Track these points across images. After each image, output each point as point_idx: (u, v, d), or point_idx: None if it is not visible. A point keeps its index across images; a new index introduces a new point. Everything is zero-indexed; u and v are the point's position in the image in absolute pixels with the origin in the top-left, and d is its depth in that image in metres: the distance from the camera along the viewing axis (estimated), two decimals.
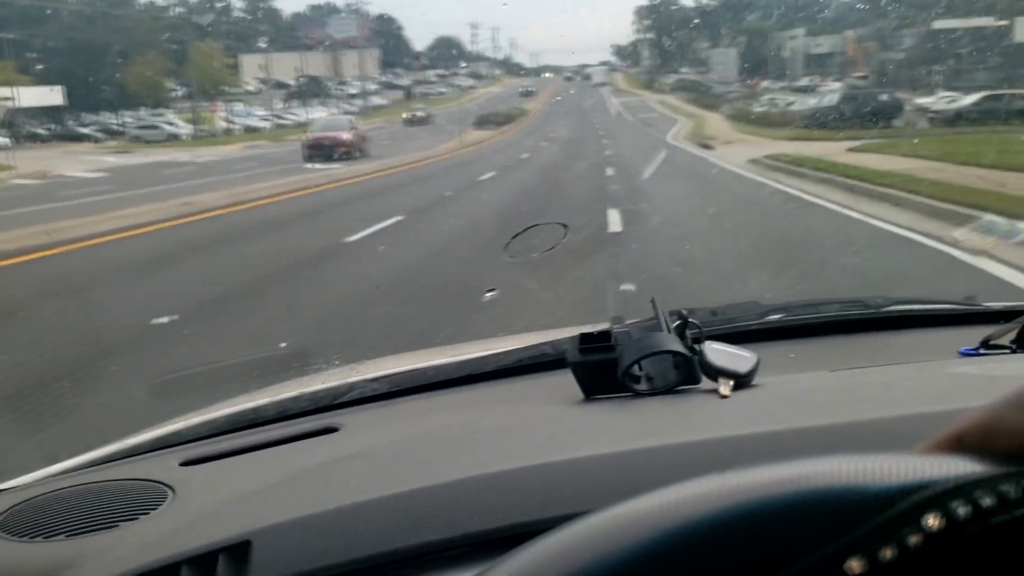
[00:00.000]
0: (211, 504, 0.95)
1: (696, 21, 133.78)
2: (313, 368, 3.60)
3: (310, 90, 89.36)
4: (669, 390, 1.09)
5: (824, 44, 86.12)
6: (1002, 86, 34.20)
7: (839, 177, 15.34)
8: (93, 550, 0.88)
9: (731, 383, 1.07)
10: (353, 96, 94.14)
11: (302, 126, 70.59)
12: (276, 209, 15.84)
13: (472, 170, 22.93)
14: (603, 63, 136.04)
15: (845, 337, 1.58)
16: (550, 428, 1.08)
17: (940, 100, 33.59)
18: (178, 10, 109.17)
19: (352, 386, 1.38)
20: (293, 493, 0.94)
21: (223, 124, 59.61)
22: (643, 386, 1.10)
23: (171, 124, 57.68)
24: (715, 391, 1.07)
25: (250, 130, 61.35)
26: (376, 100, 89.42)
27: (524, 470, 0.86)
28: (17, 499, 1.03)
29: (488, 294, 6.36)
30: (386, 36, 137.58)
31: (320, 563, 0.79)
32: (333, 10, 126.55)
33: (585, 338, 1.12)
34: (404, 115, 56.53)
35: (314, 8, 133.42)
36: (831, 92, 37.11)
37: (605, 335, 1.11)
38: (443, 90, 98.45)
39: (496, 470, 0.87)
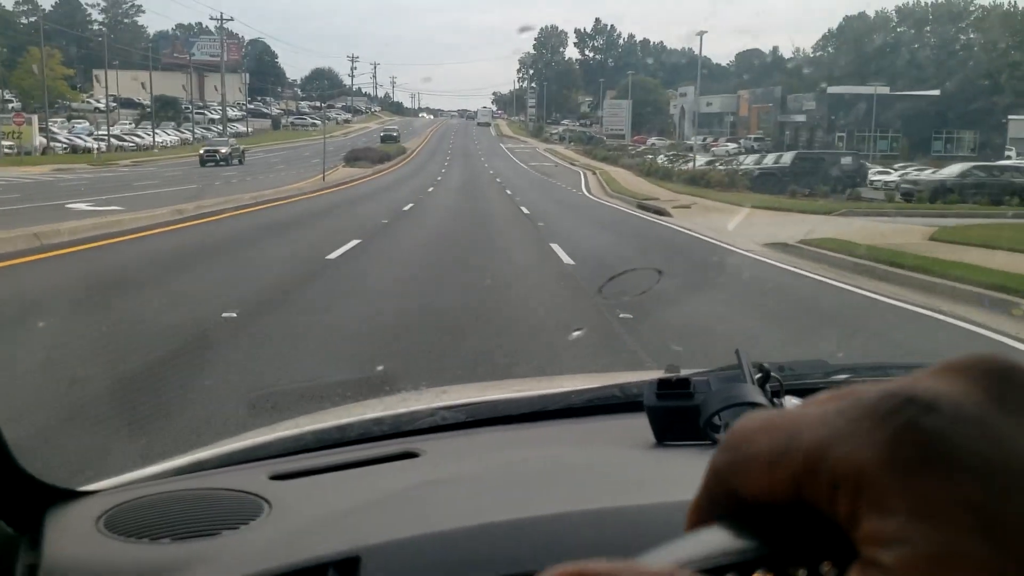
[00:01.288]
0: (309, 519, 0.97)
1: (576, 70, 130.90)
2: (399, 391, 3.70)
3: (163, 112, 78.27)
4: None
5: (715, 103, 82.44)
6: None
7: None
8: (200, 555, 0.90)
9: None
10: (214, 121, 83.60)
11: (143, 150, 60.30)
12: None
13: (313, 236, 14.29)
14: (484, 107, 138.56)
15: None
16: (629, 470, 1.08)
17: (910, 171, 27.54)
18: (32, 18, 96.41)
19: (432, 412, 1.39)
20: (392, 514, 0.97)
21: (41, 141, 48.07)
22: (723, 436, 1.02)
23: None
24: None
25: (80, 150, 50.40)
26: (239, 127, 78.98)
27: (607, 511, 0.87)
28: (118, 499, 1.04)
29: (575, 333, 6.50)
30: (260, 63, 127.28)
31: None
32: (204, 31, 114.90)
33: (663, 384, 1.10)
34: (200, 151, 44.56)
35: (182, 28, 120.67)
36: (773, 153, 30.81)
37: (684, 382, 1.09)
38: (316, 122, 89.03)
39: (579, 508, 0.88)
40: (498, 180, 35.72)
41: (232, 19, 70.79)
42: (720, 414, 1.03)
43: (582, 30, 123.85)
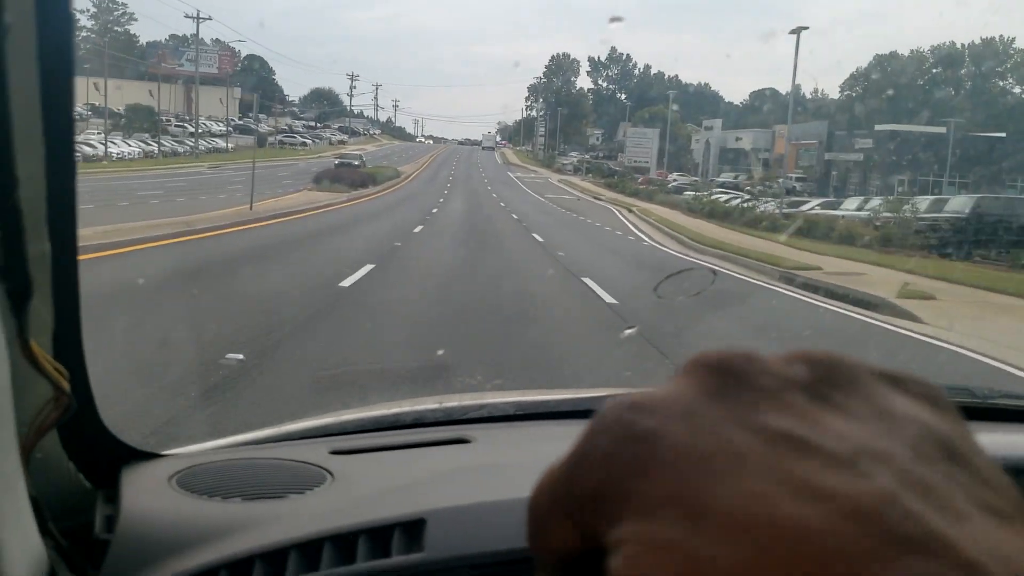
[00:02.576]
0: (371, 489, 1.00)
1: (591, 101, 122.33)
2: (457, 381, 4.21)
3: (138, 122, 68.93)
4: None
5: (745, 139, 73.34)
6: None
7: None
8: (269, 514, 0.94)
9: None
10: (195, 135, 74.29)
11: (91, 161, 50.83)
12: None
13: None
14: (488, 132, 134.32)
15: None
16: None
17: None
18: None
19: (483, 405, 1.42)
20: (449, 487, 1.00)
21: None
22: None
23: None
24: None
25: None
26: (219, 143, 69.50)
27: None
28: (191, 463, 1.07)
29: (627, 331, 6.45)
30: (256, 79, 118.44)
31: (485, 547, 0.85)
32: (206, 47, 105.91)
33: None
34: None
35: (176, 39, 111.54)
36: (943, 200, 20.91)
37: None
38: (307, 141, 79.64)
39: None
40: (514, 216, 26.05)
41: (210, 18, 61.08)
42: None
43: (596, 58, 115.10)
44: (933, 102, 77.18)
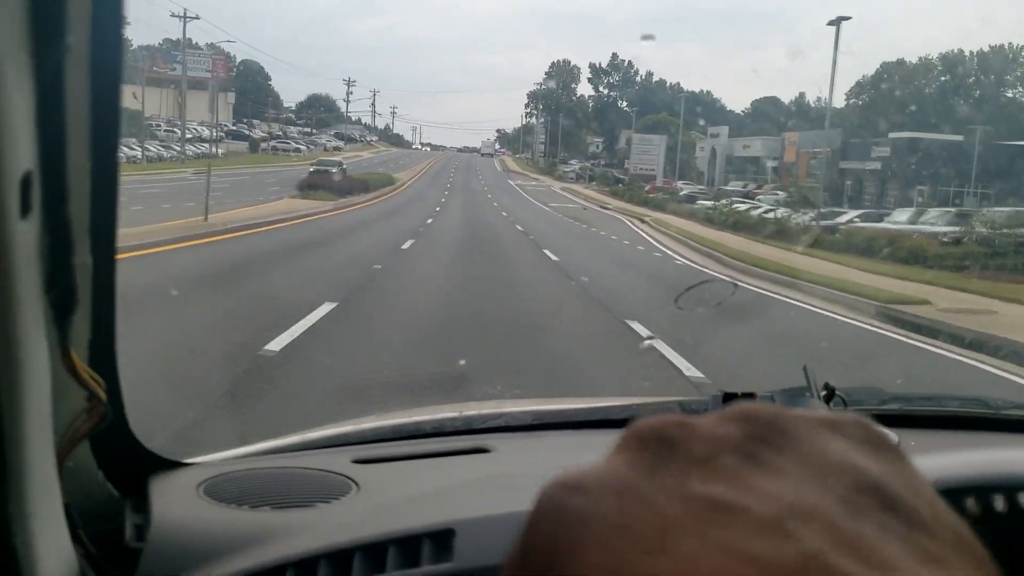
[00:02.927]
0: (396, 498, 1.00)
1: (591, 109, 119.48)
2: (479, 391, 4.23)
3: (125, 127, 66.06)
4: None
5: (754, 146, 70.40)
6: None
7: None
8: (299, 523, 0.94)
9: None
10: (182, 139, 71.48)
11: None
12: None
13: None
14: (487, 140, 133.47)
15: (964, 433, 1.46)
16: None
17: None
18: None
19: (501, 414, 1.42)
20: (474, 496, 1.00)
21: None
22: None
23: None
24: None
25: None
26: (202, 148, 66.59)
27: None
28: (217, 471, 1.07)
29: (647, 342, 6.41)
30: (252, 84, 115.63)
31: None
32: (192, 47, 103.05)
33: (728, 397, 1.08)
34: None
35: (170, 42, 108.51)
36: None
37: (749, 396, 1.06)
38: (300, 147, 76.64)
39: None
40: (519, 227, 23.13)
41: (197, 17, 58.04)
42: None
43: (597, 65, 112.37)
44: (946, 110, 74.52)
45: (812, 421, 0.31)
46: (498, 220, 26.50)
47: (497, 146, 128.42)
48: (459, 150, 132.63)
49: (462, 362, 5.36)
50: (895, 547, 0.25)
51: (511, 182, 60.94)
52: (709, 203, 36.87)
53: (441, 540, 0.86)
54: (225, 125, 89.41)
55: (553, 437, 1.36)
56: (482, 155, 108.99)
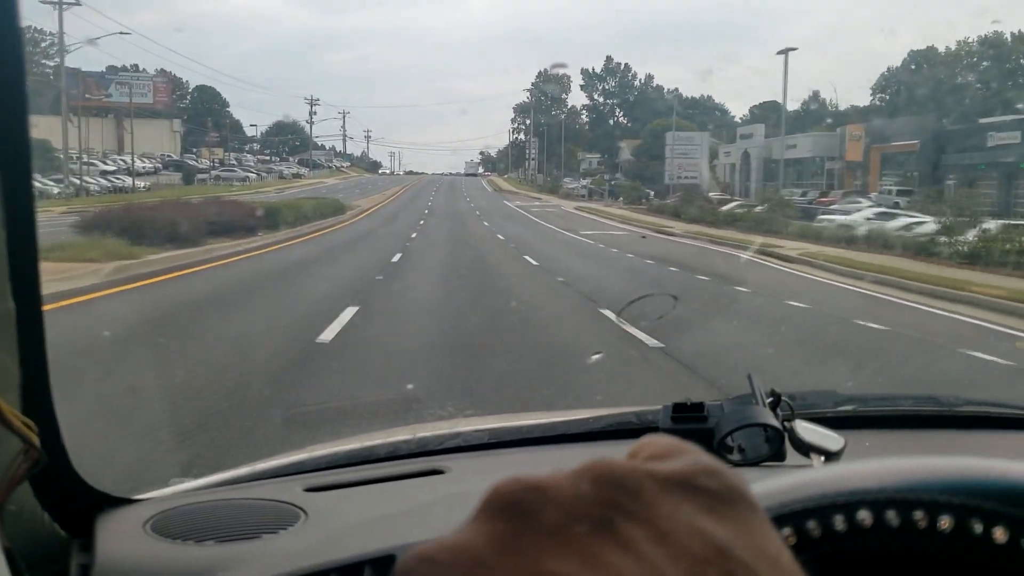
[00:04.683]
0: (344, 525, 0.98)
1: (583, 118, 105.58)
2: (428, 414, 3.92)
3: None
4: (759, 463, 1.05)
5: (802, 145, 56.51)
6: None
7: None
8: (242, 556, 0.92)
9: (822, 459, 1.04)
10: (105, 173, 57.45)
11: None
12: None
13: None
14: (470, 160, 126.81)
15: (918, 432, 1.48)
16: None
17: None
18: None
19: (457, 434, 1.37)
20: (422, 520, 0.98)
21: None
22: (736, 456, 1.04)
23: None
24: (802, 467, 1.01)
25: None
26: (122, 180, 52.58)
27: None
28: (164, 507, 1.05)
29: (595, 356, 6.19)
30: (207, 111, 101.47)
31: None
32: (139, 73, 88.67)
33: (678, 407, 1.08)
34: None
35: (113, 70, 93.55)
36: None
37: (698, 406, 1.08)
38: (250, 175, 62.38)
39: None
40: (582, 292, 8.62)
41: (78, 3, 42.87)
42: (732, 435, 1.02)
43: (590, 70, 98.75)
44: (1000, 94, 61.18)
45: (665, 479, 0.30)
46: (523, 275, 12.12)
47: (480, 169, 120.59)
48: (441, 175, 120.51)
49: (409, 386, 5.06)
50: None
51: (508, 203, 46.73)
52: (841, 218, 22.82)
53: (382, 566, 0.83)
54: (168, 156, 75.20)
55: (510, 455, 1.31)
56: (465, 175, 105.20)
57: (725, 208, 30.40)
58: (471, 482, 1.13)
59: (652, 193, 48.26)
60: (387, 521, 0.96)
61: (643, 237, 22.78)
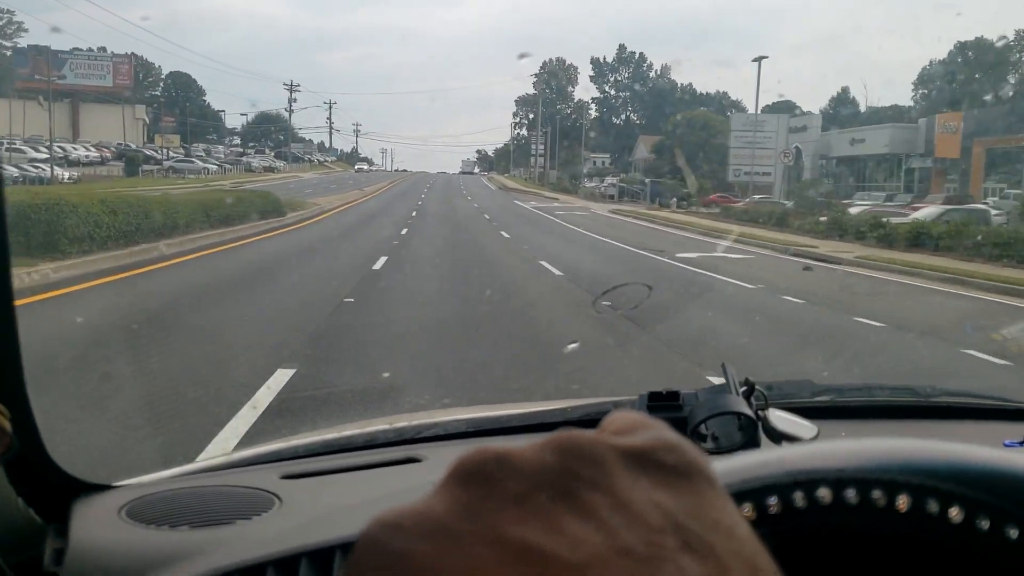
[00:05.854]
0: (317, 512, 0.97)
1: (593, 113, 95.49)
2: (406, 402, 3.84)
3: None
4: (732, 451, 1.04)
5: (872, 140, 46.15)
6: None
7: None
8: (216, 540, 0.92)
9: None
10: (35, 161, 47.02)
11: None
12: None
13: None
14: (467, 159, 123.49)
15: (895, 422, 1.46)
16: None
17: None
18: None
19: (435, 424, 1.37)
20: (395, 505, 1.07)
21: None
22: (709, 444, 1.04)
23: None
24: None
25: None
26: (44, 170, 42.15)
27: None
28: (139, 493, 1.05)
29: (571, 346, 6.15)
30: (182, 99, 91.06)
31: None
32: (98, 53, 77.92)
33: (653, 396, 1.08)
34: None
35: (77, 52, 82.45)
36: None
37: (673, 395, 1.07)
38: (210, 166, 52.17)
39: None
40: None
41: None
42: (706, 423, 1.01)
43: (601, 59, 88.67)
44: None
45: (626, 452, 0.31)
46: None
47: (477, 169, 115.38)
48: (438, 173, 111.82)
49: (386, 375, 4.94)
50: None
51: (520, 204, 36.57)
52: None
53: None
54: (127, 145, 64.80)
55: (485, 442, 1.26)
56: (462, 173, 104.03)
57: (855, 212, 20.26)
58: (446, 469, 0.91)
59: (689, 193, 37.99)
60: (361, 508, 0.94)
61: (806, 269, 12.60)
